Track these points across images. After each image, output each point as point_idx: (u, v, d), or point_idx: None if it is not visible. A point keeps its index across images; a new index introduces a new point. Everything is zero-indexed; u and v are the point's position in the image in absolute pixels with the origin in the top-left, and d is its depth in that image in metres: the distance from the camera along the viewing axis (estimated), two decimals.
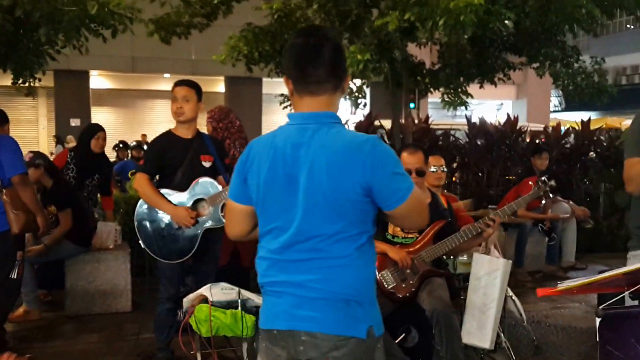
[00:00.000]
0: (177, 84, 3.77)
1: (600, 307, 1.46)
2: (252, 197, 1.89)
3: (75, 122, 18.06)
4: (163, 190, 3.68)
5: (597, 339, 1.47)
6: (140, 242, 3.74)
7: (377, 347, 1.88)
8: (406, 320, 3.61)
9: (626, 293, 1.58)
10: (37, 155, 4.96)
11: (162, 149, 3.74)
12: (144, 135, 15.91)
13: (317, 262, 1.82)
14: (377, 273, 3.52)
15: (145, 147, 8.09)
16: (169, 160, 3.71)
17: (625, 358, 1.52)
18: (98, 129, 5.73)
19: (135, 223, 3.75)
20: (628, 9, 6.59)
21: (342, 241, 1.81)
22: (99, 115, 19.36)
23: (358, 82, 7.44)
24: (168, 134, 3.82)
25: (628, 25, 28.16)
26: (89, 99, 19.06)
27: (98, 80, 19.70)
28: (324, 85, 1.85)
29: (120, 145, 9.18)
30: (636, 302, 1.60)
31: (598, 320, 1.46)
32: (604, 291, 1.73)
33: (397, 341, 3.52)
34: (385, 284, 3.49)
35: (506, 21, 5.38)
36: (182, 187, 3.69)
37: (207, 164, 3.77)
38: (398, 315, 3.59)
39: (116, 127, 19.19)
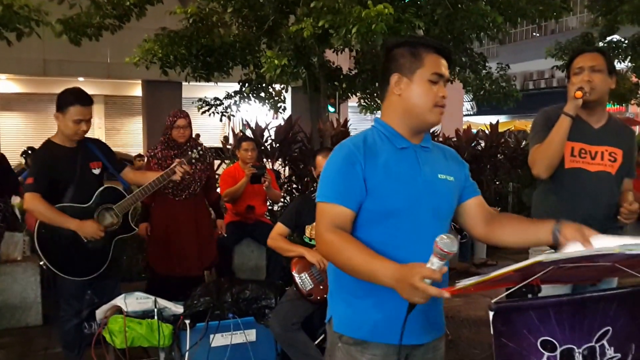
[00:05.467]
0: (82, 102, 3.38)
1: (493, 301, 1.55)
2: None
3: None
4: (65, 205, 3.41)
5: (492, 332, 1.55)
6: (42, 263, 3.43)
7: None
8: (325, 321, 3.67)
9: (521, 285, 1.68)
10: None
11: (49, 164, 3.42)
12: None
13: None
14: (295, 276, 3.56)
15: None
16: (59, 174, 3.42)
17: (518, 348, 1.60)
18: None
19: (37, 245, 3.42)
20: (531, 17, 7.00)
21: None
22: (8, 120, 18.36)
23: (277, 86, 7.48)
24: (50, 146, 3.48)
25: (534, 34, 29.84)
26: None
27: (6, 84, 18.66)
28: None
29: (29, 152, 8.62)
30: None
31: (491, 314, 1.54)
32: (499, 287, 1.83)
33: (316, 342, 3.58)
34: (303, 286, 3.53)
35: (417, 30, 5.58)
36: (76, 200, 3.44)
37: (96, 171, 3.57)
38: (317, 317, 3.64)
39: (26, 132, 18.26)
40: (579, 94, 2.64)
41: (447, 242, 1.50)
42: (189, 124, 4.53)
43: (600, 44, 10.75)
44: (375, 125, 1.95)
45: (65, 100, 3.38)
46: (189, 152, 4.04)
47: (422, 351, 1.91)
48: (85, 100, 3.40)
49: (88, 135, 3.61)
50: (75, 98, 3.38)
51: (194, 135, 4.10)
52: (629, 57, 11.50)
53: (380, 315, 1.82)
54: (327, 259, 1.84)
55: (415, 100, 1.85)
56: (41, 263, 3.46)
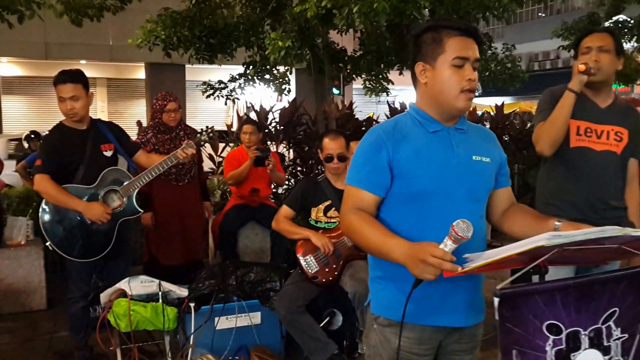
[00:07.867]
0: (60, 80, 3.42)
1: (498, 287, 1.53)
2: None
3: None
4: (70, 186, 3.45)
5: (497, 318, 1.54)
6: (48, 244, 3.48)
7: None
8: (330, 304, 3.68)
9: (527, 268, 1.66)
10: None
11: (58, 146, 3.48)
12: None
13: None
14: (301, 258, 3.56)
15: None
16: (68, 156, 3.47)
17: (524, 333, 1.58)
18: None
19: (42, 227, 3.47)
20: None
21: None
22: (10, 104, 18.35)
23: (282, 68, 7.42)
24: (61, 128, 3.55)
25: (540, 14, 29.51)
26: None
27: (8, 68, 18.63)
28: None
29: (32, 136, 8.67)
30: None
31: (496, 300, 1.52)
32: (505, 268, 1.81)
33: (321, 325, 3.58)
34: (308, 269, 3.53)
35: (422, 10, 5.50)
36: (86, 182, 3.49)
37: (108, 153, 3.59)
38: (322, 300, 3.65)
39: (29, 116, 18.29)
40: (582, 67, 2.61)
41: (463, 227, 1.56)
42: (179, 107, 4.50)
43: (606, 23, 10.61)
44: (410, 111, 1.97)
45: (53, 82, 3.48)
46: (198, 135, 4.01)
47: (457, 337, 1.91)
48: (59, 78, 3.44)
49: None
50: (56, 78, 3.45)
51: (206, 127, 4.04)
52: (635, 37, 11.37)
53: (419, 297, 1.75)
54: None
55: (440, 88, 1.83)
56: (47, 244, 3.50)
